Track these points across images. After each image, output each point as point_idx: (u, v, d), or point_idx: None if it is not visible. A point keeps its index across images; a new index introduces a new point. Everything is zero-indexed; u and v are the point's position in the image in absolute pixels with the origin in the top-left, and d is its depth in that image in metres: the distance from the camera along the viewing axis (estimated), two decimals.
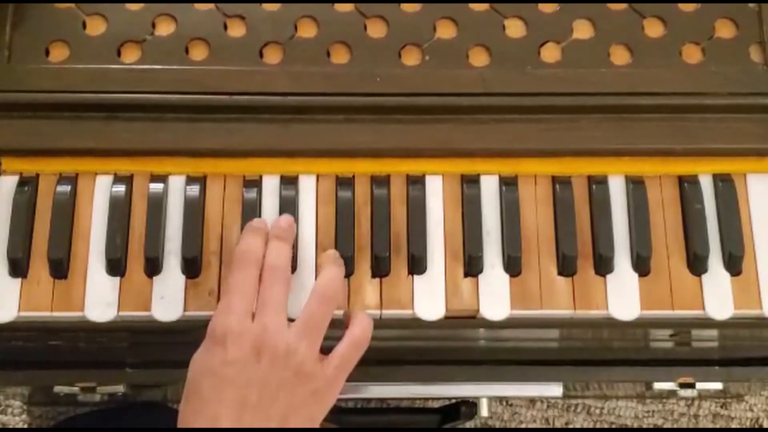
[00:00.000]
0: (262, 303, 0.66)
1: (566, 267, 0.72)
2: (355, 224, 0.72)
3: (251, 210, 0.72)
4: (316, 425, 0.66)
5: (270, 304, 0.65)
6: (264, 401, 0.63)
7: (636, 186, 0.74)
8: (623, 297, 0.71)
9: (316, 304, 0.67)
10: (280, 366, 0.64)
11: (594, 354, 0.83)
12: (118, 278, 0.71)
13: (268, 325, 0.64)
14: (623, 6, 0.77)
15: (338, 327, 0.69)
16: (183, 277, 0.71)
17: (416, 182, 0.74)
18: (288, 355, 0.64)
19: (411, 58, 0.76)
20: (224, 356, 0.63)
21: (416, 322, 0.71)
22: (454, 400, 0.92)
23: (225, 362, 0.63)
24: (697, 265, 0.72)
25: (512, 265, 0.72)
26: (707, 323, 0.72)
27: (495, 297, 0.71)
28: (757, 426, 1.24)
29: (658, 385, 0.84)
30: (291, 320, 0.66)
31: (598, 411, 1.24)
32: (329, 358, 0.66)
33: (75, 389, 0.82)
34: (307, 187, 0.74)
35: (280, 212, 0.72)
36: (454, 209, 0.73)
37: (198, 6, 0.77)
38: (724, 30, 0.77)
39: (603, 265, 0.72)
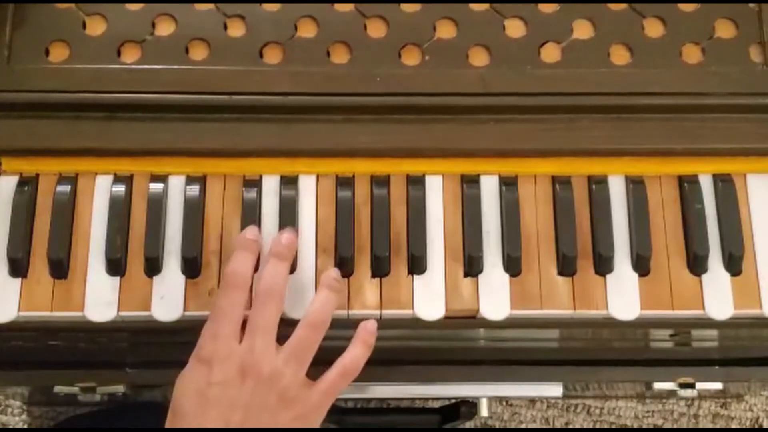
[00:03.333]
0: (252, 325, 0.66)
1: (566, 267, 0.72)
2: (355, 224, 0.72)
3: (251, 210, 0.72)
4: None
5: (259, 327, 0.66)
6: (247, 424, 0.64)
7: (636, 186, 0.74)
8: (623, 297, 0.71)
9: (306, 330, 0.67)
10: (264, 389, 0.64)
11: (594, 354, 0.83)
12: (118, 278, 0.71)
13: (255, 348, 0.65)
14: (623, 6, 0.77)
15: (341, 327, 0.69)
16: (183, 277, 0.71)
17: (416, 182, 0.74)
18: (273, 379, 0.65)
19: (411, 58, 0.76)
20: (209, 377, 0.64)
21: (416, 322, 0.71)
22: (454, 400, 0.92)
23: (209, 383, 0.64)
24: (697, 265, 0.72)
25: (512, 265, 0.72)
26: (707, 323, 0.72)
27: (495, 297, 0.71)
28: (757, 426, 1.24)
29: (658, 385, 0.84)
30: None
31: (598, 411, 1.24)
32: (317, 383, 0.67)
33: (75, 389, 0.82)
34: (307, 187, 0.74)
35: (281, 212, 0.72)
36: (454, 209, 0.73)
37: (198, 6, 0.77)
38: (724, 30, 0.77)
39: (603, 265, 0.72)
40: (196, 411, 0.64)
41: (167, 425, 0.65)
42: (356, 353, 0.69)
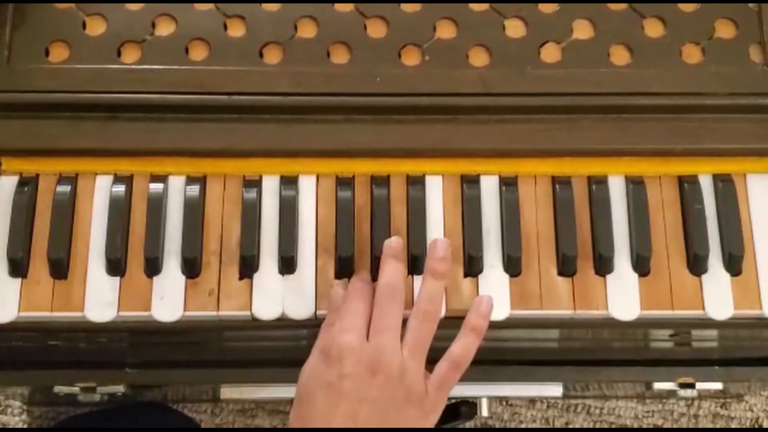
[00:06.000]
0: (378, 324, 0.66)
1: (566, 267, 0.72)
2: (355, 224, 0.72)
3: (251, 210, 0.72)
4: None
5: (386, 326, 0.66)
6: (374, 418, 0.64)
7: (636, 186, 0.74)
8: (623, 297, 0.71)
9: (421, 322, 0.67)
10: (393, 386, 0.65)
11: (594, 354, 0.83)
12: (117, 278, 0.71)
13: (384, 345, 0.65)
14: (623, 6, 0.77)
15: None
16: (183, 277, 0.71)
17: (416, 182, 0.74)
18: (401, 376, 0.65)
19: (411, 58, 0.76)
20: (341, 370, 0.64)
21: None
22: (454, 400, 0.92)
23: (341, 376, 0.64)
24: (697, 265, 0.72)
25: (512, 265, 0.72)
26: (707, 323, 0.72)
27: (495, 297, 0.71)
28: (757, 426, 1.24)
29: (658, 385, 0.84)
30: None
31: (598, 411, 1.24)
32: (430, 379, 0.67)
33: (75, 389, 0.82)
34: (307, 187, 0.74)
35: (280, 212, 0.72)
36: (454, 209, 0.73)
37: (198, 6, 0.77)
38: (724, 30, 0.77)
39: (603, 265, 0.72)
40: (326, 402, 0.64)
41: (293, 413, 0.66)
42: (464, 343, 0.68)
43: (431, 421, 0.67)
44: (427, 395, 0.66)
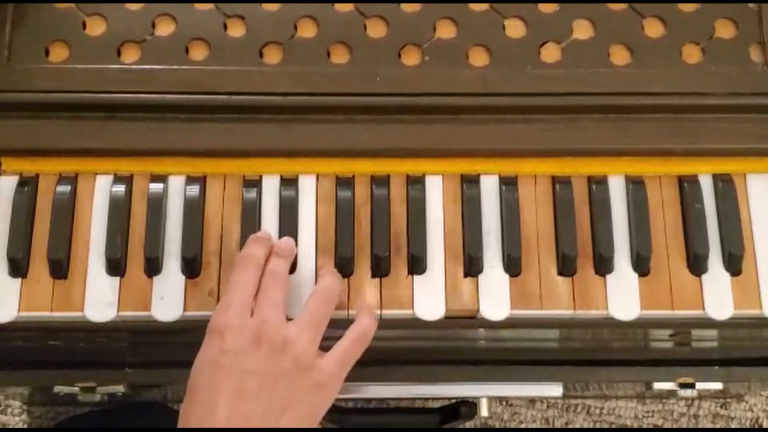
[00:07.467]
0: (262, 300, 0.66)
1: (566, 267, 0.72)
2: (355, 224, 0.72)
3: (251, 210, 0.72)
4: (318, 419, 0.66)
5: (269, 302, 0.66)
6: (262, 390, 0.63)
7: (636, 186, 0.74)
8: (623, 297, 0.71)
9: (316, 302, 0.68)
10: (278, 355, 0.64)
11: (594, 354, 0.83)
12: (117, 278, 0.71)
13: (267, 319, 0.65)
14: (623, 6, 0.77)
15: (342, 327, 0.69)
16: (183, 277, 0.71)
17: (416, 182, 0.74)
18: (286, 347, 0.64)
19: (411, 58, 0.76)
20: (221, 346, 0.63)
21: (416, 322, 0.71)
22: (454, 400, 0.92)
23: (222, 351, 0.63)
24: (697, 265, 0.72)
25: (512, 265, 0.72)
26: (707, 323, 0.72)
27: (495, 297, 0.71)
28: (757, 426, 1.24)
29: (658, 385, 0.84)
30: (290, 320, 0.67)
31: (598, 411, 1.24)
32: (330, 353, 0.67)
33: (75, 389, 0.82)
34: (307, 187, 0.74)
35: (280, 212, 0.73)
36: (454, 209, 0.73)
37: (198, 6, 0.77)
38: (724, 30, 0.77)
39: (603, 265, 0.72)
40: (210, 381, 0.63)
41: (184, 403, 0.65)
42: (365, 321, 0.69)
43: (328, 397, 0.66)
44: (320, 367, 0.65)
